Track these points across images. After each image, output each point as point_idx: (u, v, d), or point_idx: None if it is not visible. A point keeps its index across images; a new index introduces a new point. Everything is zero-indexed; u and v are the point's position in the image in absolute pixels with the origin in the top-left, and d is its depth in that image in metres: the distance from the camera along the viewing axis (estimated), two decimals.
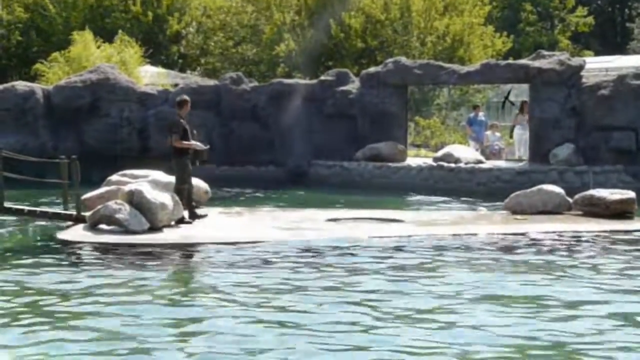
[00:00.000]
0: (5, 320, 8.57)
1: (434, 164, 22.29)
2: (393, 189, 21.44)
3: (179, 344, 7.75)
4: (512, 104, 31.70)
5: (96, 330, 8.12)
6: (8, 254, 12.40)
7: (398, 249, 12.62)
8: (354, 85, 24.13)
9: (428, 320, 8.48)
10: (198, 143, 14.90)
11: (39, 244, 13.32)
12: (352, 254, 12.13)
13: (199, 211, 15.08)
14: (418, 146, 27.93)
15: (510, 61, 24.72)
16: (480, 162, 22.24)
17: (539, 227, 14.37)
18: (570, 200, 16.23)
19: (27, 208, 15.03)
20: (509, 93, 32.14)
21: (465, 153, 22.75)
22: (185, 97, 15.37)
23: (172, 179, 14.93)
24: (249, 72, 33.12)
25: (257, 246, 12.72)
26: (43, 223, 14.95)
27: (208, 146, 15.18)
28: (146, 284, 10.22)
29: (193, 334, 8.11)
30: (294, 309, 8.96)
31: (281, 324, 8.36)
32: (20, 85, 25.38)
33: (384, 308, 8.95)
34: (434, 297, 9.47)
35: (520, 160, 23.96)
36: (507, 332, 8.07)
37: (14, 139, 23.01)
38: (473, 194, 20.46)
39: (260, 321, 8.47)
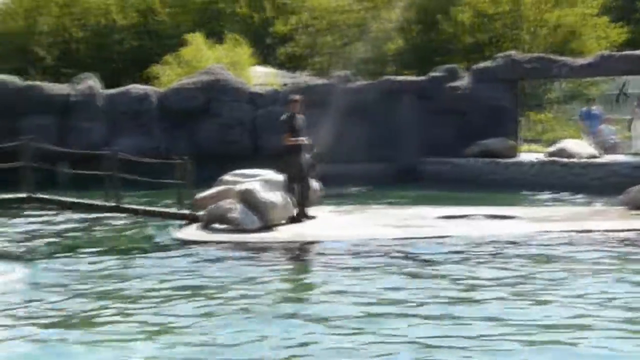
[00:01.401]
0: (127, 317, 8.76)
1: (547, 159, 21.86)
2: (504, 185, 21.10)
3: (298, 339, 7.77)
4: (627, 96, 30.83)
5: (211, 329, 8.22)
6: (125, 253, 12.69)
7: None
8: (464, 81, 23.86)
9: None
10: (302, 138, 14.87)
11: (154, 243, 13.59)
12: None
13: (308, 211, 15.05)
14: (530, 141, 27.42)
15: (627, 52, 24.01)
16: (594, 156, 21.71)
17: None
18: None
19: (143, 208, 15.39)
20: (624, 85, 31.28)
21: (579, 148, 22.24)
22: (293, 96, 15.51)
23: (282, 177, 15.02)
24: (358, 70, 33.10)
25: (368, 244, 12.71)
26: (158, 223, 15.25)
27: (307, 140, 15.01)
28: (260, 281, 10.32)
29: (309, 329, 8.13)
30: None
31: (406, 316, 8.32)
32: (135, 88, 26.02)
33: None
34: None
35: (638, 154, 23.28)
36: None
37: (129, 141, 23.57)
38: (588, 190, 19.94)
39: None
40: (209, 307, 9.05)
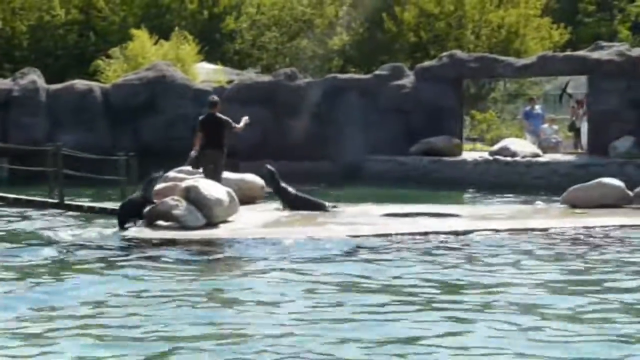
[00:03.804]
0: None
1: (490, 157, 22.12)
2: (449, 183, 21.29)
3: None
4: (570, 96, 31.31)
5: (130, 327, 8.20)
6: (67, 250, 12.57)
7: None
8: (408, 80, 24.02)
9: None
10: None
11: (96, 240, 13.46)
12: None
13: None
14: (474, 140, 27.73)
15: (568, 53, 24.41)
16: (537, 155, 22.02)
17: (598, 221, 14.14)
18: (631, 193, 15.95)
19: (86, 204, 15.26)
20: (566, 85, 31.77)
21: (522, 147, 22.55)
22: (213, 97, 16.64)
23: (229, 174, 15.20)
24: (303, 66, 33.12)
25: (310, 241, 12.73)
26: (101, 219, 15.10)
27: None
28: (191, 277, 10.40)
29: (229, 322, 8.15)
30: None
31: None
32: (79, 83, 25.76)
33: None
34: None
35: (578, 153, 23.67)
36: None
37: (73, 136, 23.28)
38: (530, 188, 20.22)
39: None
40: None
